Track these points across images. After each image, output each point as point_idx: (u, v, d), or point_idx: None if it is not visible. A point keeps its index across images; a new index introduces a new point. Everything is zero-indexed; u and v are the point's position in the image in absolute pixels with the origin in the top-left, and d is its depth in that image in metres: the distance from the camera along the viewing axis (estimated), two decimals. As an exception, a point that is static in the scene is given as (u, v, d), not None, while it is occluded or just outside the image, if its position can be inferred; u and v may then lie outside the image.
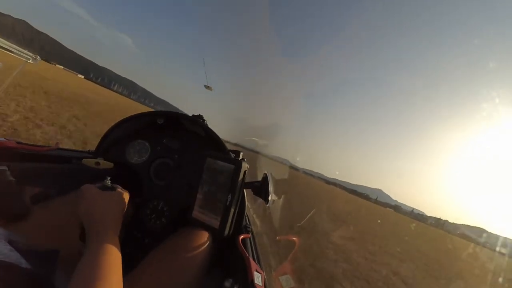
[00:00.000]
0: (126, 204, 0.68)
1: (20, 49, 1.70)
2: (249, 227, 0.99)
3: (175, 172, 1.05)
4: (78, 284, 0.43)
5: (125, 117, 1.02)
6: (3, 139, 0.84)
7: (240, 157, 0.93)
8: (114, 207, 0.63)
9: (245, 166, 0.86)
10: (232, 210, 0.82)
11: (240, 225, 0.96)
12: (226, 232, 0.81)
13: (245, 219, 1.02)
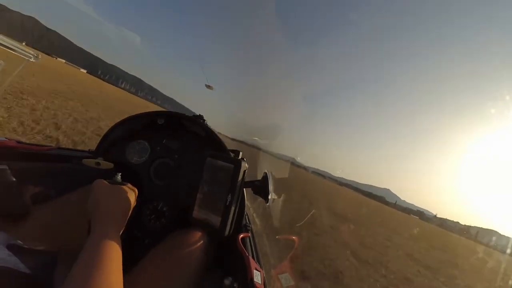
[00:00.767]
0: (134, 202, 0.69)
1: (22, 47, 1.71)
2: (249, 226, 1.00)
3: (175, 172, 1.05)
4: (78, 273, 0.43)
5: (125, 117, 1.03)
6: (3, 138, 0.84)
7: (240, 157, 0.93)
8: (122, 202, 0.64)
9: (245, 165, 0.86)
10: (232, 209, 0.82)
11: (240, 224, 0.97)
12: (227, 231, 0.81)
13: (245, 218, 1.03)
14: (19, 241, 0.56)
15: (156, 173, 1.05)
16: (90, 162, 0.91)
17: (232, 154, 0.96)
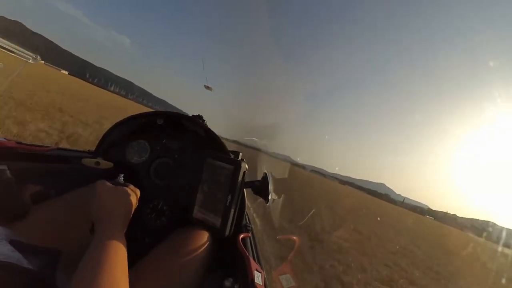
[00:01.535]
0: (136, 203, 0.70)
1: (21, 49, 1.71)
2: (249, 226, 0.99)
3: (175, 172, 1.05)
4: (85, 273, 0.44)
5: (125, 117, 1.02)
6: (3, 139, 0.84)
7: (240, 158, 0.93)
8: (125, 203, 0.64)
9: (245, 166, 0.86)
10: (232, 210, 0.82)
11: (240, 224, 0.97)
12: (227, 231, 0.81)
13: (245, 218, 1.03)
14: (19, 240, 0.56)
15: (156, 173, 1.05)
16: (89, 162, 0.91)
17: (232, 155, 0.96)
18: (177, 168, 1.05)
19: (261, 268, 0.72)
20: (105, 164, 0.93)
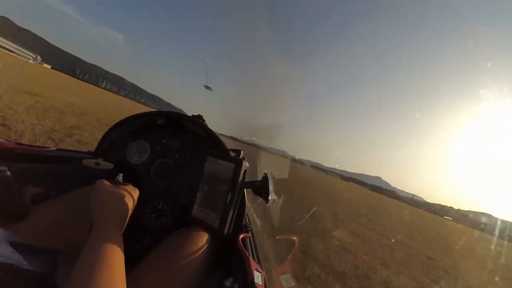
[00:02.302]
0: (135, 202, 0.70)
1: (21, 48, 1.71)
2: (249, 227, 0.99)
3: (175, 172, 1.05)
4: (81, 271, 0.43)
5: (124, 117, 1.03)
6: (2, 140, 0.84)
7: (241, 156, 0.93)
8: (124, 203, 0.65)
9: (246, 165, 0.86)
10: (232, 209, 0.82)
11: (240, 225, 0.97)
12: (226, 231, 0.81)
13: (245, 218, 1.03)
14: (19, 240, 0.56)
15: (156, 173, 1.05)
16: (89, 162, 0.91)
17: (233, 154, 0.96)
18: (177, 168, 1.05)
19: (261, 268, 0.72)
20: (105, 164, 0.93)
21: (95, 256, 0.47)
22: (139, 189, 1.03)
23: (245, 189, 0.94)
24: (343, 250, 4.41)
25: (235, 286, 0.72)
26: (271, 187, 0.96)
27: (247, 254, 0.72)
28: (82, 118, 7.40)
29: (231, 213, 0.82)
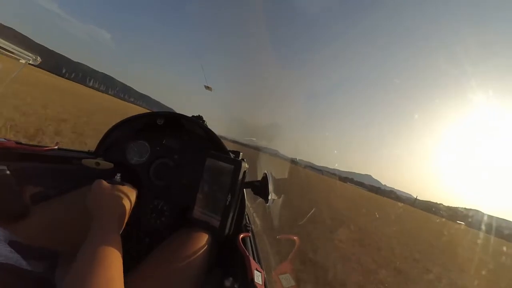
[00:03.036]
0: (133, 202, 0.71)
1: (20, 49, 1.70)
2: (249, 226, 0.99)
3: (175, 173, 1.05)
4: (79, 270, 0.43)
5: (125, 117, 1.03)
6: (2, 139, 0.84)
7: (240, 157, 0.93)
8: (121, 202, 0.65)
9: (245, 166, 0.86)
10: (232, 209, 0.82)
11: (240, 224, 0.97)
12: (226, 231, 0.81)
13: (245, 218, 1.03)
14: (19, 240, 0.56)
15: (156, 173, 1.05)
16: (89, 162, 0.91)
17: (232, 155, 0.97)
18: (177, 168, 1.05)
19: (261, 267, 0.72)
20: (105, 164, 0.93)
21: (92, 256, 0.47)
22: (139, 190, 1.03)
23: (244, 189, 0.94)
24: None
25: (235, 286, 0.72)
26: (270, 187, 0.96)
27: (247, 254, 0.72)
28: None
29: (231, 213, 0.82)
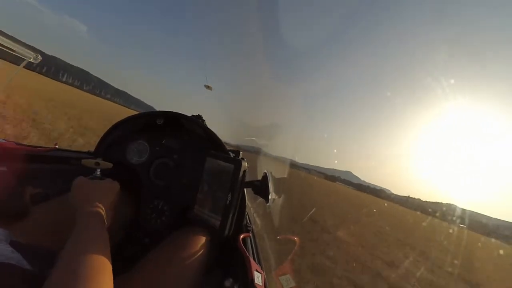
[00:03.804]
0: (115, 194, 0.71)
1: (21, 47, 1.70)
2: (250, 227, 0.99)
3: (174, 172, 1.05)
4: (62, 269, 0.43)
5: (124, 118, 1.02)
6: (2, 140, 0.84)
7: (240, 157, 0.93)
8: (100, 194, 0.66)
9: (245, 165, 0.86)
10: (232, 209, 0.82)
11: (241, 225, 0.96)
12: (227, 231, 0.81)
13: (246, 218, 1.02)
14: (18, 240, 0.56)
15: (156, 173, 1.05)
16: (89, 162, 0.91)
17: (232, 154, 0.96)
18: (176, 168, 1.05)
19: (261, 268, 0.72)
20: (105, 164, 0.93)
21: (75, 252, 0.46)
22: (138, 190, 1.02)
23: (245, 189, 0.94)
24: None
25: (235, 287, 0.72)
26: (271, 187, 0.96)
27: (247, 255, 0.72)
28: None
29: (231, 213, 0.82)
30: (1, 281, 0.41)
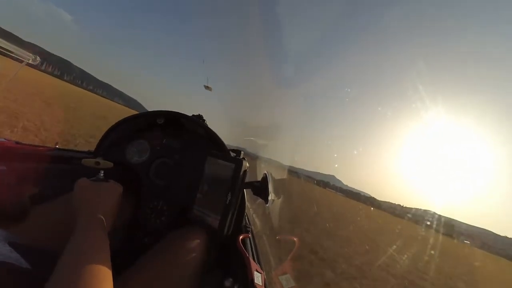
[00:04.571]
0: (118, 197, 0.68)
1: (20, 49, 1.70)
2: (249, 227, 0.99)
3: (175, 172, 1.05)
4: (62, 275, 0.42)
5: (124, 117, 1.02)
6: (2, 139, 0.84)
7: (241, 156, 0.93)
8: (104, 198, 0.63)
9: (246, 165, 0.86)
10: (232, 209, 0.82)
11: (240, 225, 0.96)
12: (225, 231, 0.81)
13: (245, 218, 1.02)
14: (18, 241, 0.55)
15: (156, 173, 1.05)
16: (89, 162, 0.91)
17: (233, 154, 0.96)
18: (177, 168, 1.05)
19: (261, 268, 0.72)
20: (105, 164, 0.93)
21: (74, 257, 0.45)
22: (138, 189, 1.02)
23: (245, 190, 0.94)
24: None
25: (235, 287, 0.72)
26: (270, 188, 0.96)
27: (247, 255, 0.72)
28: None
29: (231, 213, 0.82)
30: (0, 280, 0.41)
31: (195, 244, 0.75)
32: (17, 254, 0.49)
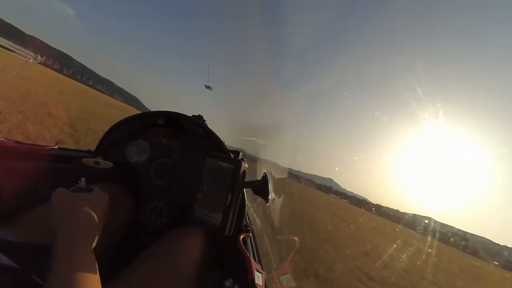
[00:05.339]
0: (103, 209, 0.58)
1: (21, 48, 1.70)
2: (250, 227, 0.99)
3: (175, 172, 1.05)
4: None
5: (125, 117, 1.02)
6: (2, 138, 0.84)
7: (240, 157, 0.92)
8: (86, 213, 0.52)
9: (245, 165, 0.86)
10: (232, 209, 0.82)
11: (241, 225, 0.96)
12: (227, 231, 0.81)
13: (246, 218, 1.02)
14: (16, 239, 0.55)
15: (156, 173, 1.05)
16: (89, 161, 0.91)
17: (232, 155, 0.96)
18: (177, 168, 1.05)
19: (262, 268, 0.71)
20: (105, 163, 0.93)
21: (60, 281, 0.40)
22: (138, 189, 1.02)
23: (244, 189, 0.94)
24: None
25: (236, 287, 0.72)
26: (270, 187, 0.96)
27: (248, 255, 0.72)
28: None
29: (231, 213, 0.81)
30: None
31: (195, 244, 0.75)
32: (11, 255, 0.48)
